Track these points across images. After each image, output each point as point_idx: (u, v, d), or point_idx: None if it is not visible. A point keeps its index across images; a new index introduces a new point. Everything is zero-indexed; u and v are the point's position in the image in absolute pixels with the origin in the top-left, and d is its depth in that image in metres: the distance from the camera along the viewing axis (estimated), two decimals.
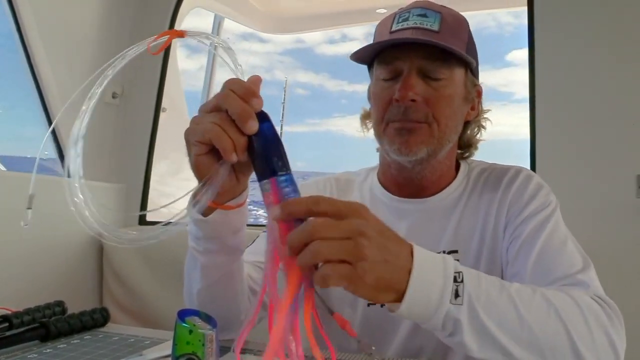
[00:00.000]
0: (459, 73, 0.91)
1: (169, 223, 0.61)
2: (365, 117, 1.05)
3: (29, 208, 0.70)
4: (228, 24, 2.70)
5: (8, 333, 0.81)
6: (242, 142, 0.60)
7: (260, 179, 0.61)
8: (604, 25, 1.63)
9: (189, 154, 0.65)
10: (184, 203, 0.63)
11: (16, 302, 0.98)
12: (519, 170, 0.95)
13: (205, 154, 0.63)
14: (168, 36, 0.66)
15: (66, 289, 1.80)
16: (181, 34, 0.66)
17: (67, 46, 1.90)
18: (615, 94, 1.60)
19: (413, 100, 0.86)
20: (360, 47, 0.91)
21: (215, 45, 0.67)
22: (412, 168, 0.93)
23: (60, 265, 1.81)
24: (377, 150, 1.07)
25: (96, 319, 0.93)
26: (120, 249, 1.96)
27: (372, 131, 1.05)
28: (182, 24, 2.25)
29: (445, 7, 0.93)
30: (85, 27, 1.98)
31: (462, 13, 0.95)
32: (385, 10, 0.94)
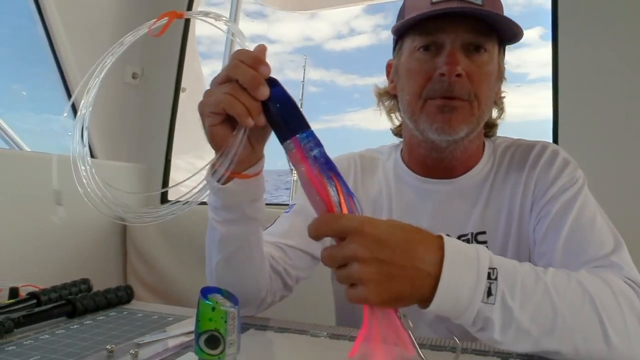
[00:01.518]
0: (496, 50, 0.88)
1: (186, 202, 0.62)
2: (381, 94, 1.02)
3: (59, 204, 0.71)
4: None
5: (36, 309, 0.83)
6: (256, 107, 0.62)
7: (282, 140, 0.62)
8: (628, 4, 1.58)
9: (204, 127, 0.66)
10: (199, 178, 0.64)
11: (43, 280, 1.01)
12: (545, 146, 0.92)
13: (219, 124, 0.64)
14: (167, 18, 0.66)
15: (91, 267, 1.84)
16: (180, 15, 0.67)
17: (86, 28, 1.91)
18: (638, 74, 1.55)
19: (458, 76, 0.83)
20: (402, 18, 0.88)
21: (218, 21, 0.67)
22: (446, 147, 0.90)
23: (85, 244, 1.85)
24: (393, 131, 1.05)
25: (121, 296, 0.95)
26: (143, 228, 1.99)
27: (384, 113, 1.02)
28: (199, 5, 2.24)
29: None
30: (104, 9, 1.98)
31: None
32: None
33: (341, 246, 0.58)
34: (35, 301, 0.87)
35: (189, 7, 2.17)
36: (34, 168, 1.57)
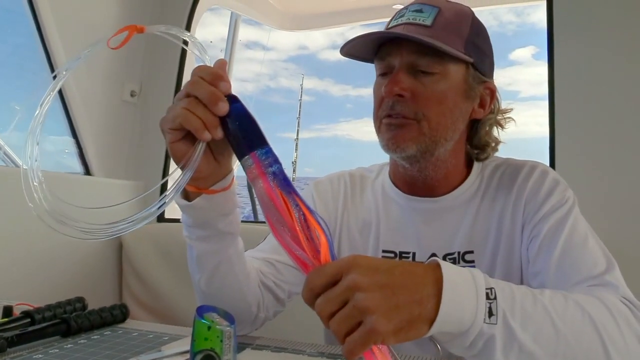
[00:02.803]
0: (455, 69, 0.87)
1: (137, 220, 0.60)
2: None
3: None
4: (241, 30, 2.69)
5: (30, 328, 0.82)
6: (212, 120, 0.62)
7: (240, 157, 0.63)
8: (623, 19, 1.59)
9: (166, 143, 0.67)
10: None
11: (38, 299, 1.00)
12: (534, 166, 0.92)
13: (180, 140, 0.65)
14: (127, 32, 0.66)
15: (86, 285, 1.82)
16: (141, 30, 0.66)
17: (85, 45, 1.92)
18: (636, 90, 1.56)
19: (400, 96, 0.85)
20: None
21: (182, 38, 0.68)
22: (410, 166, 0.91)
23: (80, 262, 1.84)
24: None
25: (116, 315, 0.94)
26: (139, 246, 1.98)
27: None
28: (199, 21, 2.26)
29: (450, 2, 0.90)
30: (103, 26, 1.99)
31: (478, 8, 0.92)
32: (402, 6, 0.92)
33: (338, 285, 0.54)
34: (29, 320, 0.86)
35: (191, 13, 2.19)
36: (26, 187, 1.56)
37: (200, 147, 0.64)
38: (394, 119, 0.86)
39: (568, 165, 1.59)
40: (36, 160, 0.63)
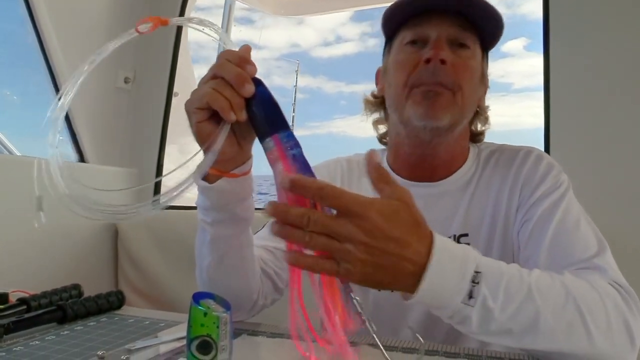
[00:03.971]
0: (478, 51, 0.91)
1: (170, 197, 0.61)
2: (368, 102, 1.04)
3: (40, 210, 0.71)
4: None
5: (26, 315, 0.83)
6: (239, 102, 0.63)
7: (262, 138, 0.63)
8: (619, 11, 1.59)
9: (191, 124, 0.67)
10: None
11: (34, 285, 1.00)
12: (529, 151, 0.93)
13: (205, 120, 0.65)
14: (152, 23, 0.66)
15: (82, 272, 1.82)
16: (165, 22, 0.67)
17: (78, 33, 1.90)
18: (632, 82, 1.56)
19: (443, 62, 0.85)
20: (388, 10, 0.91)
21: (204, 26, 0.68)
22: (430, 141, 0.91)
23: (76, 249, 1.84)
24: (378, 138, 1.06)
25: (112, 302, 0.95)
26: (135, 232, 1.98)
27: (371, 120, 1.04)
28: (191, 10, 2.24)
29: None
30: (97, 14, 1.98)
31: None
32: None
33: (339, 222, 0.57)
34: (25, 307, 0.86)
35: (182, 12, 2.17)
36: (23, 172, 1.56)
37: (226, 129, 0.64)
38: (435, 86, 0.86)
39: (563, 157, 1.58)
40: (57, 147, 0.63)
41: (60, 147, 0.63)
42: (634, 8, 1.56)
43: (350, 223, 0.57)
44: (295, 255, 0.59)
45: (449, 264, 0.60)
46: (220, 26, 0.68)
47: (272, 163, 0.62)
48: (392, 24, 0.94)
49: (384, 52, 1.00)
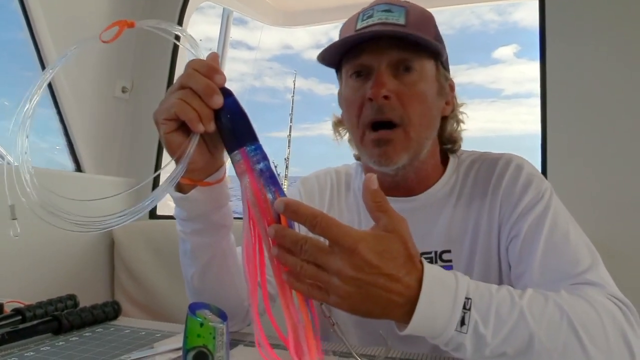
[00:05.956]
0: (429, 66, 0.88)
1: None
2: (337, 124, 1.03)
3: (14, 219, 0.70)
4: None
5: (21, 326, 0.82)
6: (207, 113, 0.63)
7: (230, 151, 0.63)
8: (615, 18, 1.60)
9: (160, 135, 0.66)
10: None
11: (29, 296, 0.99)
12: (508, 160, 0.91)
13: (174, 131, 0.65)
14: (118, 27, 0.66)
15: (78, 282, 1.81)
16: (131, 24, 0.66)
17: (75, 39, 1.91)
18: (628, 89, 1.57)
19: (386, 98, 0.83)
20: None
21: (174, 33, 0.67)
22: (395, 174, 0.91)
23: (72, 259, 1.83)
24: (355, 156, 1.06)
25: (108, 312, 0.94)
26: (132, 242, 1.97)
27: (346, 138, 1.03)
28: (190, 18, 2.25)
29: (409, 2, 0.91)
30: (94, 22, 1.98)
31: (471, 5, 0.93)
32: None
33: (327, 256, 0.57)
34: (20, 317, 0.85)
35: (182, 12, 2.18)
36: (18, 181, 1.55)
37: (194, 139, 0.64)
38: (381, 133, 0.85)
39: (560, 164, 1.59)
40: (26, 153, 0.62)
41: (29, 154, 0.62)
42: (630, 14, 1.58)
43: (339, 257, 0.57)
44: (291, 279, 0.60)
45: (439, 295, 0.59)
46: (186, 31, 0.67)
47: (239, 176, 0.62)
48: (334, 57, 0.91)
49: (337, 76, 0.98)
